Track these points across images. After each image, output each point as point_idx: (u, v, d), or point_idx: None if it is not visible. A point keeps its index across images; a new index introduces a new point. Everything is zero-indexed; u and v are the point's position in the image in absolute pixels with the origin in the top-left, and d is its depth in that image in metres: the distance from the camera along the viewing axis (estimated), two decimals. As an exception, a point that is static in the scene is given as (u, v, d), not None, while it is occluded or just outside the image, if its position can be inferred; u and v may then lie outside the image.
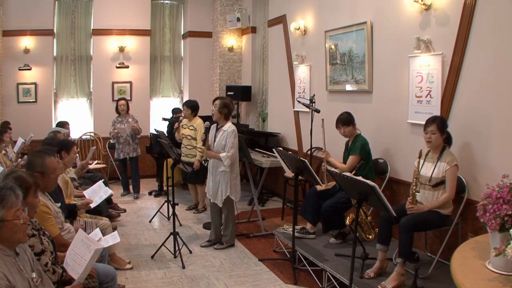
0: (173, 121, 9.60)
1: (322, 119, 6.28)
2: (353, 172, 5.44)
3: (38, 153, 4.35)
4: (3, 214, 2.66)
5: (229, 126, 6.35)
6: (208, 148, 6.40)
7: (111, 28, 11.16)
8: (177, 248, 6.21)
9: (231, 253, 6.47)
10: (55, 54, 11.10)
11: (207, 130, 6.38)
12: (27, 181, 3.38)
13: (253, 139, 9.48)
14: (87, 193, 5.93)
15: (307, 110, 7.13)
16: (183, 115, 8.45)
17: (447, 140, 4.87)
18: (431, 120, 4.79)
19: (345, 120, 5.99)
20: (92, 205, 5.42)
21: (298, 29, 8.53)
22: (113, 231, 5.19)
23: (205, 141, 6.36)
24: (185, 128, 8.17)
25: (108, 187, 6.19)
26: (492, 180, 3.65)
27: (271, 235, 6.90)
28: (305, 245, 5.88)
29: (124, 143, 9.29)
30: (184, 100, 11.65)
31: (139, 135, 9.40)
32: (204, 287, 5.40)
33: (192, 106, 8.21)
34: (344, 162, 6.10)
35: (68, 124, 9.31)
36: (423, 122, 4.96)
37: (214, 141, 6.37)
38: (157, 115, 11.84)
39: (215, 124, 6.51)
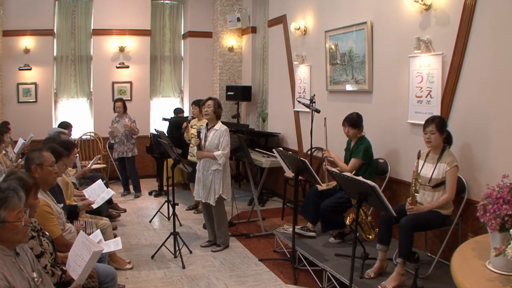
0: (174, 121, 9.61)
1: (325, 118, 6.29)
2: (353, 173, 5.45)
3: (36, 149, 4.43)
4: (5, 216, 2.66)
5: (221, 125, 6.38)
6: (199, 149, 6.40)
7: (111, 28, 11.15)
8: (177, 248, 6.21)
9: (231, 253, 6.48)
10: (55, 54, 11.10)
11: (199, 134, 6.37)
12: (28, 182, 3.39)
13: (253, 139, 9.48)
14: (87, 192, 5.94)
15: (307, 110, 7.13)
16: (191, 115, 8.44)
17: (447, 140, 4.87)
18: (430, 120, 4.79)
19: (352, 122, 5.95)
20: (94, 206, 5.43)
21: (298, 29, 8.53)
22: (115, 232, 5.19)
23: (199, 146, 6.35)
24: (194, 128, 8.15)
25: (108, 187, 6.20)
26: (492, 180, 3.66)
27: (271, 235, 6.90)
28: (305, 245, 5.88)
29: (119, 142, 9.34)
30: (184, 100, 11.73)
31: (135, 135, 9.40)
32: (204, 287, 5.40)
33: (200, 105, 8.21)
34: (345, 161, 6.10)
35: (71, 127, 9.31)
36: (423, 122, 4.96)
37: (205, 140, 6.37)
38: (157, 115, 11.84)
39: (205, 125, 6.53)
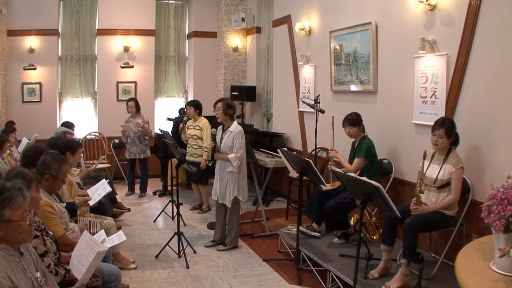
0: (178, 120, 9.61)
1: (332, 117, 6.28)
2: (358, 173, 5.44)
3: (56, 157, 4.35)
4: (10, 215, 2.66)
5: (235, 127, 6.36)
6: (217, 150, 6.40)
7: (116, 28, 11.18)
8: (181, 248, 6.21)
9: (235, 253, 6.47)
10: (60, 54, 11.13)
11: (214, 137, 6.40)
12: (29, 176, 3.42)
13: (258, 139, 9.49)
14: (91, 191, 5.94)
15: (312, 110, 7.12)
16: (187, 115, 8.44)
17: (455, 141, 4.84)
18: (440, 123, 4.73)
19: (351, 120, 5.97)
20: (91, 202, 5.42)
21: (303, 29, 8.52)
22: (118, 231, 5.20)
23: (214, 148, 6.39)
24: (190, 128, 8.17)
25: (113, 187, 6.20)
26: (496, 181, 3.64)
27: (275, 235, 6.90)
28: (309, 245, 5.87)
29: (131, 143, 9.32)
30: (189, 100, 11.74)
31: (147, 136, 9.39)
32: (208, 287, 5.40)
33: (195, 105, 8.22)
34: (349, 161, 6.10)
35: (74, 126, 9.33)
36: (428, 123, 4.95)
37: (221, 142, 6.38)
38: (161, 115, 11.84)
39: (221, 126, 6.53)
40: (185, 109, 8.71)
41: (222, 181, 6.44)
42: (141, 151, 9.35)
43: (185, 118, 8.44)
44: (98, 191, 5.74)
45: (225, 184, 6.40)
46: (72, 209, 5.03)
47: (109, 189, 5.83)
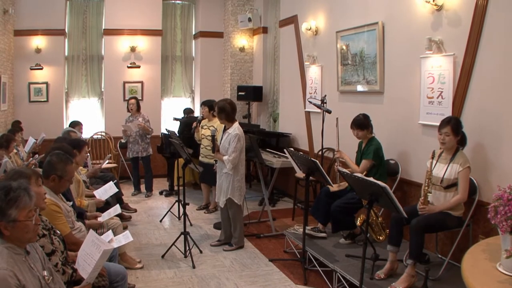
0: (185, 121, 9.62)
1: (337, 118, 6.27)
2: (364, 174, 5.43)
3: (62, 157, 4.40)
4: (16, 215, 2.68)
5: (234, 129, 6.33)
6: (216, 150, 6.40)
7: (123, 28, 11.20)
8: (187, 248, 6.22)
9: (241, 253, 6.48)
10: (66, 53, 11.17)
11: (213, 138, 6.39)
12: (26, 173, 3.50)
13: (264, 140, 9.49)
14: (98, 192, 5.97)
15: (318, 110, 7.12)
16: (201, 115, 8.43)
17: (462, 141, 4.83)
18: (446, 122, 4.74)
19: (360, 124, 5.95)
20: (100, 219, 5.43)
21: (309, 30, 8.52)
22: (125, 231, 5.21)
23: (214, 148, 6.38)
24: (205, 129, 8.14)
25: (119, 187, 6.20)
26: (503, 182, 3.63)
27: (281, 236, 6.90)
28: (316, 245, 5.86)
29: (133, 142, 9.35)
30: (195, 100, 11.76)
31: (149, 134, 9.41)
32: (214, 287, 5.40)
33: (210, 105, 8.16)
34: (356, 162, 6.09)
35: (82, 125, 9.36)
36: (435, 123, 4.94)
37: (220, 142, 6.41)
38: (168, 115, 11.86)
39: (223, 127, 6.56)
40: (200, 108, 8.69)
41: (219, 181, 6.50)
42: (143, 149, 9.39)
43: (199, 117, 8.42)
44: (109, 210, 5.68)
45: (221, 184, 6.45)
46: (81, 216, 5.07)
47: (119, 211, 5.76)
